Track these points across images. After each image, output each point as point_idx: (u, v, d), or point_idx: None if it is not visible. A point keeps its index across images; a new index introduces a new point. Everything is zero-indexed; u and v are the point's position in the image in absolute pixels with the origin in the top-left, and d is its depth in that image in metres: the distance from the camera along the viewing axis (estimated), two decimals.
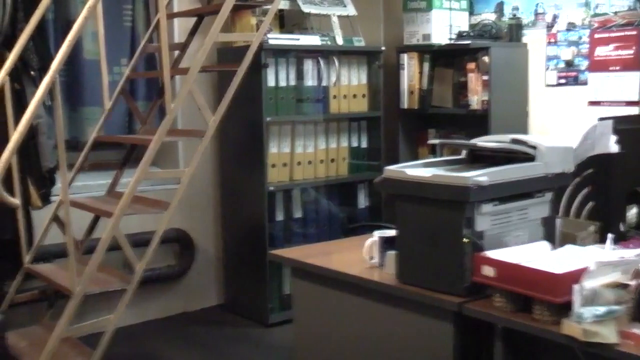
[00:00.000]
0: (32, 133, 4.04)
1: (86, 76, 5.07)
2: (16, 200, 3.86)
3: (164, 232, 4.02)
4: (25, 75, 4.14)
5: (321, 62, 5.23)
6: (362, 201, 5.64)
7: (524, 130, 5.17)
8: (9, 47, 3.98)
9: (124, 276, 4.00)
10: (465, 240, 2.50)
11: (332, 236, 5.26)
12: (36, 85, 4.08)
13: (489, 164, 2.69)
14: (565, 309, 2.17)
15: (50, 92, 3.67)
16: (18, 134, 3.58)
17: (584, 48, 4.96)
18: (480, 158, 2.93)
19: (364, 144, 5.59)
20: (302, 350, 3.31)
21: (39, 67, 4.18)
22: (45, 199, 4.27)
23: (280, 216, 5.21)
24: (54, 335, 3.65)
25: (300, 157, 5.23)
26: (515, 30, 5.28)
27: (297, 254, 3.30)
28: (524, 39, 5.29)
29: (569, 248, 2.57)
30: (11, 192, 3.86)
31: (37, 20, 4.01)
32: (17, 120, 3.79)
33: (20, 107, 3.99)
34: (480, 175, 2.48)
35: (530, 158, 2.70)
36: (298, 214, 5.31)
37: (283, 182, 5.15)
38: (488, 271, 2.40)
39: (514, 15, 5.35)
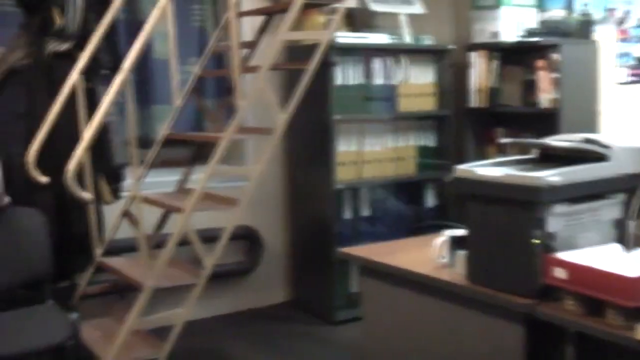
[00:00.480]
0: (103, 130, 4.12)
1: (155, 75, 5.16)
2: (89, 196, 3.94)
3: (233, 229, 4.05)
4: (96, 75, 4.21)
5: (389, 60, 5.22)
6: (430, 200, 5.62)
7: (594, 129, 5.09)
8: (82, 47, 4.06)
9: (194, 271, 4.04)
10: (536, 241, 2.47)
11: (399, 235, 5.22)
12: (107, 84, 4.15)
13: (560, 164, 2.66)
14: (639, 313, 2.14)
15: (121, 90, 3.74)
16: (90, 131, 3.65)
17: None
18: (551, 158, 2.90)
19: (432, 143, 5.57)
20: (370, 348, 3.32)
21: (110, 66, 4.25)
22: (116, 195, 4.34)
23: (347, 214, 5.22)
24: (125, 328, 3.72)
25: (368, 155, 5.23)
26: (585, 26, 5.20)
27: (365, 252, 3.31)
28: (594, 36, 5.20)
29: None
30: (83, 187, 3.94)
31: (109, 20, 4.08)
32: (89, 118, 3.87)
33: (91, 105, 4.07)
34: (552, 175, 2.45)
35: (602, 158, 2.66)
36: (366, 212, 5.32)
37: (351, 181, 5.15)
38: (559, 273, 2.38)
39: (584, 11, 5.26)
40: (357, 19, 5.43)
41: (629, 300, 2.16)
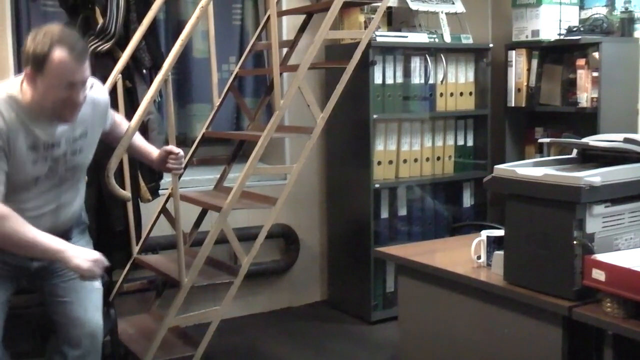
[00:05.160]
0: (143, 129, 4.15)
1: (195, 74, 5.17)
2: (127, 193, 3.97)
3: (270, 227, 4.06)
4: (136, 74, 4.23)
5: (428, 59, 5.20)
6: (468, 200, 5.58)
7: (634, 129, 5.02)
8: (122, 47, 4.09)
9: (231, 269, 4.06)
10: (575, 242, 2.45)
11: (436, 235, 5.25)
12: (147, 84, 4.18)
13: (600, 164, 2.64)
14: None
15: (160, 89, 3.76)
16: (130, 130, 3.67)
17: None
18: (591, 157, 2.88)
19: (470, 142, 5.54)
20: (406, 348, 3.31)
21: (150, 65, 4.28)
22: (155, 193, 4.36)
23: (385, 214, 5.20)
24: (163, 324, 3.74)
25: (406, 154, 5.21)
26: (627, 24, 5.12)
27: (403, 252, 3.31)
28: (636, 34, 5.13)
29: None
30: (122, 185, 3.97)
31: (150, 20, 4.11)
32: (128, 117, 3.89)
33: (131, 104, 4.10)
34: (592, 176, 2.43)
35: None
36: (403, 211, 5.30)
37: (389, 180, 5.14)
38: (598, 275, 2.36)
39: (626, 8, 5.18)
40: (397, 18, 5.42)
41: None
